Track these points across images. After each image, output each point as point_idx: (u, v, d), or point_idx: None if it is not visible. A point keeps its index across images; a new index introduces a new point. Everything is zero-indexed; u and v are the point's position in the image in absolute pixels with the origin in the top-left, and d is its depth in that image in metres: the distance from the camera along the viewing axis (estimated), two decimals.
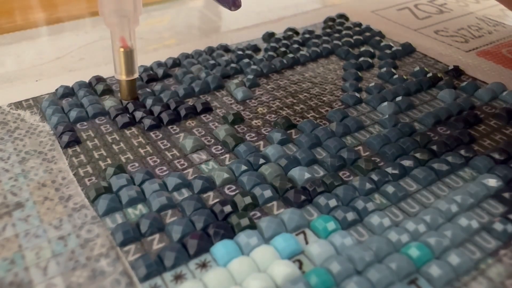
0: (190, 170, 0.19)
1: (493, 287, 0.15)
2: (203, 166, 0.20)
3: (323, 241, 0.16)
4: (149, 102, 0.24)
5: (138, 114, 0.22)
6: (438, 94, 0.25)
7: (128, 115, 0.22)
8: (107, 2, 0.21)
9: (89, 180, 0.19)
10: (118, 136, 0.21)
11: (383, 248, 0.15)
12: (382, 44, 0.31)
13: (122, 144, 0.21)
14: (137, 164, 0.20)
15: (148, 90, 0.25)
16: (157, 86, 0.25)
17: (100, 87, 0.25)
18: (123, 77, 0.23)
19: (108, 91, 0.25)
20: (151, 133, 0.22)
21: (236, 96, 0.25)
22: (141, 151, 0.20)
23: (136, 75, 0.23)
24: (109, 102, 0.24)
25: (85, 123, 0.22)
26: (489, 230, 0.16)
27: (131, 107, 0.23)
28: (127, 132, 0.22)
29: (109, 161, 0.20)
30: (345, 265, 0.15)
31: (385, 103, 0.24)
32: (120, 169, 0.19)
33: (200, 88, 0.25)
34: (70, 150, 0.20)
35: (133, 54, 0.22)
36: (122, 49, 0.22)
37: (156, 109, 0.23)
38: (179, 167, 0.20)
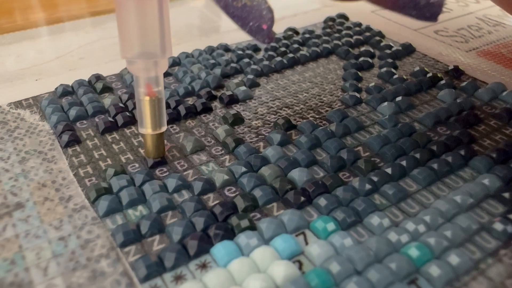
0: (190, 171, 0.19)
1: (493, 287, 0.15)
2: (203, 167, 0.20)
3: (323, 242, 0.16)
4: None
5: None
6: (438, 94, 0.25)
7: (128, 114, 0.22)
8: (129, 44, 0.17)
9: (89, 181, 0.19)
10: (118, 136, 0.21)
11: (383, 248, 0.15)
12: (382, 44, 0.31)
13: (122, 144, 0.21)
14: (137, 165, 0.20)
15: None
16: None
17: (99, 85, 0.25)
18: (149, 131, 0.19)
19: (108, 89, 0.25)
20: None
21: (236, 96, 0.25)
22: (141, 151, 0.20)
23: (164, 128, 0.19)
24: (108, 100, 0.24)
25: (84, 122, 0.22)
26: (489, 230, 0.16)
27: (130, 105, 0.23)
28: (127, 131, 0.22)
29: (109, 161, 0.20)
30: (345, 266, 0.15)
31: (385, 103, 0.24)
32: (120, 169, 0.19)
33: (200, 88, 0.25)
34: (70, 150, 0.20)
35: (161, 103, 0.18)
36: (148, 98, 0.18)
37: None
38: (179, 168, 0.20)
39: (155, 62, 0.18)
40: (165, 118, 0.19)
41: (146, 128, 0.19)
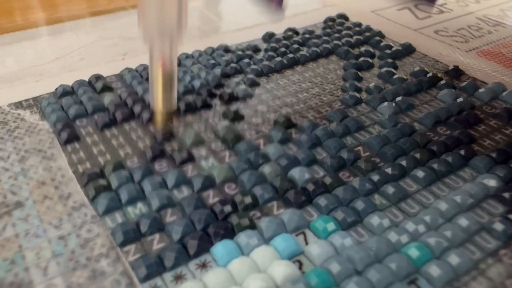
0: (190, 166, 0.19)
1: (493, 287, 0.15)
2: (203, 162, 0.20)
3: (323, 242, 0.16)
4: (148, 97, 0.24)
5: (137, 108, 0.22)
6: (438, 94, 0.25)
7: (126, 109, 0.22)
8: (147, 17, 0.18)
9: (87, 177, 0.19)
10: (117, 131, 0.21)
11: (383, 248, 0.15)
12: (382, 44, 0.31)
13: (121, 139, 0.21)
14: (136, 159, 0.20)
15: (148, 86, 0.25)
16: None
17: (99, 85, 0.25)
18: (159, 107, 0.20)
19: (107, 88, 0.25)
20: (150, 127, 0.22)
21: (236, 94, 0.24)
22: (141, 145, 0.20)
23: (174, 106, 0.20)
24: (108, 99, 0.24)
25: (84, 120, 0.22)
26: (489, 230, 0.16)
27: (130, 101, 0.23)
28: (126, 126, 0.22)
29: (108, 157, 0.20)
30: (345, 266, 0.15)
31: (385, 103, 0.24)
32: (119, 165, 0.19)
33: (200, 86, 0.25)
34: (69, 147, 0.20)
35: (173, 79, 0.19)
36: (161, 72, 0.19)
37: None
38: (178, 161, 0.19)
39: (171, 38, 0.18)
40: (175, 96, 0.19)
41: (157, 105, 0.19)
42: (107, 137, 0.21)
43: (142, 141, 0.21)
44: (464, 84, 0.26)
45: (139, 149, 0.20)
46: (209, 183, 0.18)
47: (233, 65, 0.27)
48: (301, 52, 0.29)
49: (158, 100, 0.19)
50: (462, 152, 0.20)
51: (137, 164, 0.19)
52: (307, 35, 0.31)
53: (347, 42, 0.31)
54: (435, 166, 0.19)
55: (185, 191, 0.18)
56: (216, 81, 0.25)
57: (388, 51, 0.29)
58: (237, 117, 0.22)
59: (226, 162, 0.20)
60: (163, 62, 0.18)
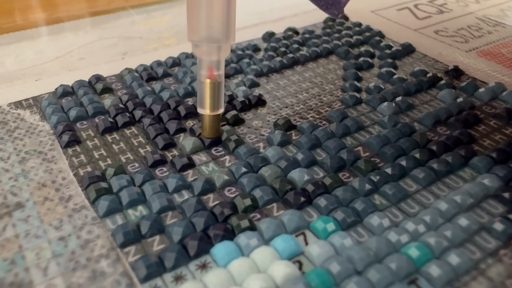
0: (190, 171, 0.19)
1: (493, 287, 0.15)
2: (203, 167, 0.20)
3: (323, 242, 0.16)
4: (148, 101, 0.24)
5: (138, 113, 0.22)
6: (438, 94, 0.25)
7: (128, 114, 0.22)
8: (196, 28, 0.18)
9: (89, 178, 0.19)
10: (118, 136, 0.21)
11: (382, 248, 0.15)
12: (382, 44, 0.31)
13: (122, 144, 0.21)
14: (137, 165, 0.20)
15: (148, 88, 0.25)
16: (156, 85, 0.25)
17: (99, 86, 0.25)
18: (207, 112, 0.20)
19: (108, 89, 0.25)
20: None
21: (236, 96, 0.24)
22: (141, 151, 0.20)
23: (221, 110, 0.20)
24: (108, 101, 0.24)
25: (85, 122, 0.22)
26: (489, 230, 0.16)
27: (130, 105, 0.23)
28: (127, 131, 0.22)
29: (109, 161, 0.20)
30: (345, 266, 0.15)
31: (385, 103, 0.24)
32: (120, 169, 0.19)
33: None
34: (70, 150, 0.20)
35: (221, 86, 0.19)
36: (208, 80, 0.19)
37: (156, 108, 0.23)
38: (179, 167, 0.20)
39: (219, 47, 0.19)
40: (223, 101, 0.20)
41: (205, 109, 0.20)
42: (108, 141, 0.21)
43: (143, 147, 0.21)
44: (464, 84, 0.26)
45: (140, 155, 0.20)
46: (209, 187, 0.18)
47: (233, 65, 0.27)
48: (301, 52, 0.29)
49: (206, 105, 0.20)
50: (462, 152, 0.20)
51: (138, 169, 0.19)
52: (307, 35, 0.31)
53: (347, 42, 0.31)
54: (435, 166, 0.19)
55: (185, 195, 0.18)
56: None
57: (388, 51, 0.29)
58: (237, 121, 0.22)
59: (226, 166, 0.20)
60: (210, 70, 0.19)
